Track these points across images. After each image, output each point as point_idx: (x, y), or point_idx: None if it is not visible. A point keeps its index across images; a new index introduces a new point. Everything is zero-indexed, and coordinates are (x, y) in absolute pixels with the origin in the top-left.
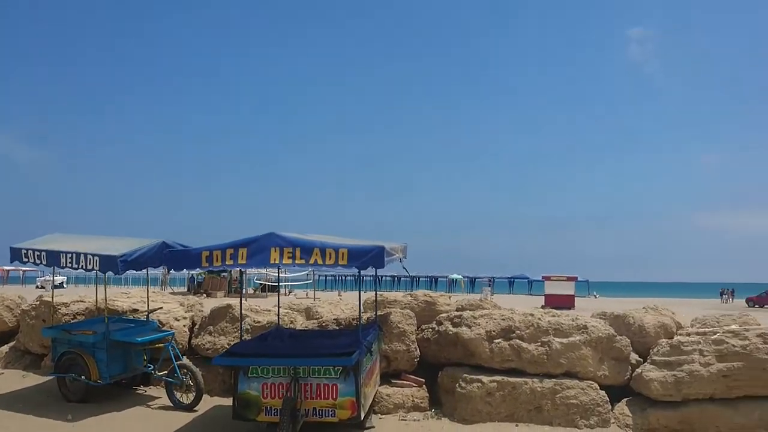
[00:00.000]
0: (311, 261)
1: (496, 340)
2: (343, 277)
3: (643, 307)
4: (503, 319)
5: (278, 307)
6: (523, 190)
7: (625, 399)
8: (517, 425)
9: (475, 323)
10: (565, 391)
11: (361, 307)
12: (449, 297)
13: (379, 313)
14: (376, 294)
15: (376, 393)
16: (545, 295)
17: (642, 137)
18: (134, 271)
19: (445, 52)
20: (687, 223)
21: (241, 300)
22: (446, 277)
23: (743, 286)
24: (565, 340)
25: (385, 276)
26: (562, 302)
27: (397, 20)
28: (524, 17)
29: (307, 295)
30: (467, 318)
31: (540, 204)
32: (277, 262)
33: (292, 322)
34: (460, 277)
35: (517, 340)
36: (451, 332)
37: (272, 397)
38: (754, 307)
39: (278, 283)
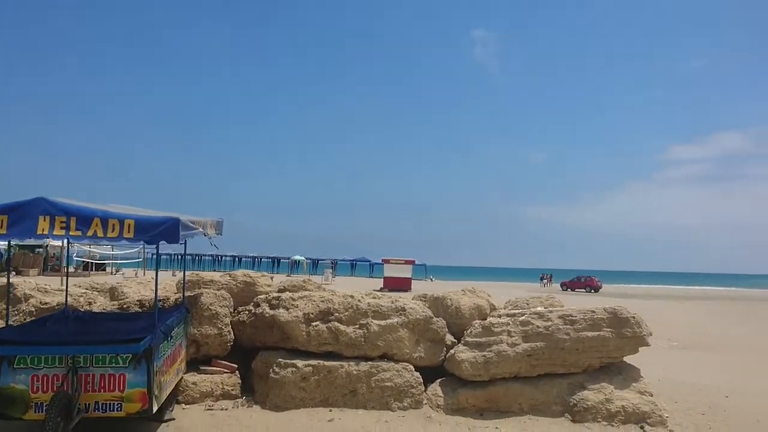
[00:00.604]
0: (90, 233)
1: (314, 323)
2: (193, 257)
3: (462, 290)
4: (322, 301)
5: (66, 286)
6: (375, 177)
7: (439, 380)
8: (331, 410)
9: (294, 305)
10: (381, 373)
11: (178, 288)
12: (271, 278)
13: (189, 293)
14: (184, 272)
15: (180, 381)
16: (384, 277)
17: (481, 134)
18: None
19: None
20: (517, 215)
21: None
22: (288, 258)
23: (561, 272)
24: (383, 322)
25: (225, 256)
26: (400, 285)
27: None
28: (382, 17)
29: (136, 274)
30: (285, 300)
31: (392, 191)
32: (46, 232)
33: (90, 304)
34: (303, 258)
35: (336, 323)
36: (268, 314)
37: (44, 390)
38: (566, 290)
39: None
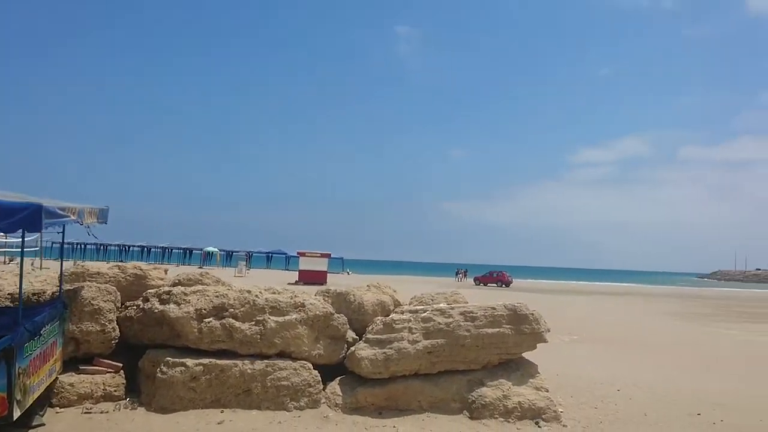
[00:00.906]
0: None
1: (207, 319)
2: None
3: (367, 285)
4: (217, 296)
5: None
6: (294, 169)
7: (338, 378)
8: (222, 411)
9: (185, 300)
10: (277, 372)
11: (60, 281)
12: (165, 271)
13: (70, 287)
14: (61, 263)
15: (54, 383)
16: (299, 270)
17: (404, 129)
18: None
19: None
20: (438, 210)
21: None
22: (201, 249)
23: (477, 267)
24: (281, 319)
25: (134, 246)
26: (315, 278)
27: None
28: (296, 13)
29: (32, 264)
30: (177, 294)
31: (311, 183)
32: None
33: None
34: (216, 250)
35: (230, 319)
36: (157, 310)
37: None
38: (479, 285)
39: None
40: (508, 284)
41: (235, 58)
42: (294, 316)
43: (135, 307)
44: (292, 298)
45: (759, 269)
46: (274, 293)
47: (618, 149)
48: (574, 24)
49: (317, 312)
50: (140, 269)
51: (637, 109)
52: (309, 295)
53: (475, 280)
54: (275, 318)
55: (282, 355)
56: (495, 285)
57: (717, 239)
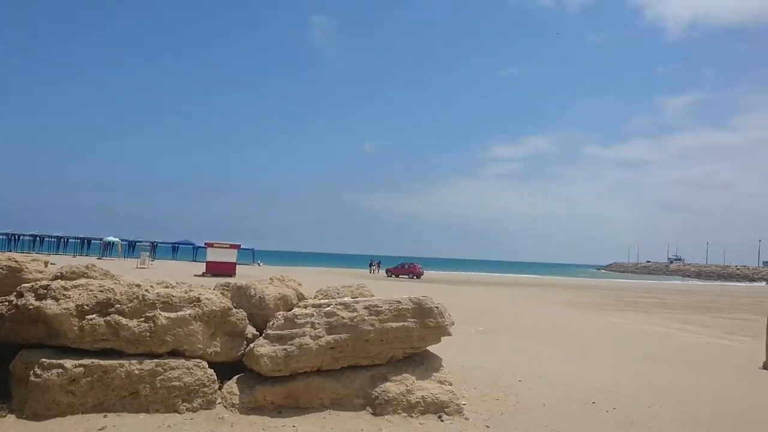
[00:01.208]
0: None
1: (90, 316)
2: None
3: (270, 278)
4: (101, 291)
5: None
6: (206, 158)
7: (236, 377)
8: (105, 416)
9: (65, 295)
10: (168, 372)
11: None
12: (46, 263)
13: None
14: None
15: None
16: (207, 262)
17: (318, 120)
18: None
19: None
20: (353, 202)
21: None
22: (101, 239)
23: (391, 258)
24: (173, 315)
25: (23, 236)
26: (224, 269)
27: None
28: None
29: None
30: (56, 289)
31: (225, 174)
32: None
33: None
34: (117, 240)
35: (117, 316)
36: (32, 306)
37: None
38: (391, 276)
39: None
40: (419, 276)
41: (138, 40)
42: (188, 312)
43: (7, 304)
44: (186, 293)
45: (649, 261)
46: (167, 287)
47: (527, 146)
48: (486, 22)
49: (214, 307)
50: (15, 261)
51: (544, 108)
52: (206, 289)
53: (387, 272)
54: (167, 314)
55: (174, 353)
56: (407, 277)
57: (614, 233)
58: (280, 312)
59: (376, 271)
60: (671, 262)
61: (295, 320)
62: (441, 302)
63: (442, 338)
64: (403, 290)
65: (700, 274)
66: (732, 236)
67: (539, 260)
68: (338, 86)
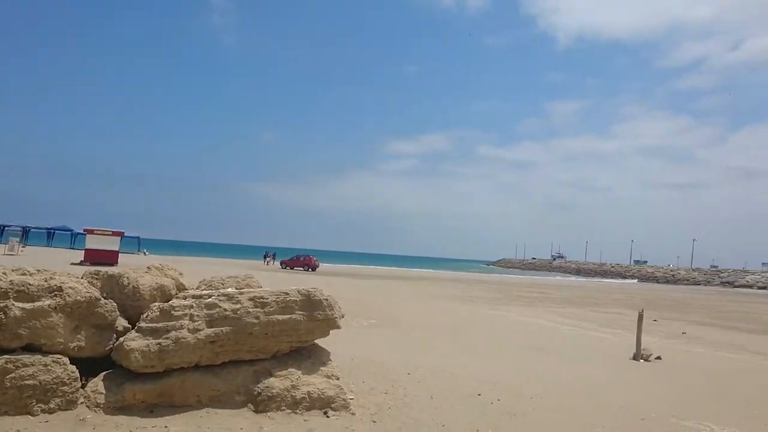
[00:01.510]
0: None
1: None
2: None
3: (147, 267)
4: None
5: None
6: (97, 140)
7: (103, 373)
8: None
9: None
10: (22, 369)
11: None
12: None
13: None
14: None
15: None
16: (86, 249)
17: (213, 106)
18: None
19: None
20: (250, 192)
21: None
22: None
23: (287, 250)
24: (29, 305)
25: None
26: (105, 258)
27: None
28: None
29: None
30: None
31: (113, 158)
32: None
33: None
34: None
35: None
36: None
37: None
38: (286, 268)
39: None
40: (314, 268)
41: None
42: (47, 302)
43: None
44: (46, 281)
45: (534, 258)
46: (24, 274)
47: (425, 143)
48: (386, 19)
49: (78, 297)
50: None
51: (442, 107)
52: (72, 277)
53: (281, 264)
54: (22, 304)
55: (30, 348)
56: (302, 269)
57: (504, 231)
58: (156, 303)
59: (271, 262)
60: (554, 259)
61: (173, 312)
62: (332, 295)
63: (330, 331)
64: (297, 283)
65: (580, 270)
66: (608, 236)
67: (434, 255)
68: (235, 72)
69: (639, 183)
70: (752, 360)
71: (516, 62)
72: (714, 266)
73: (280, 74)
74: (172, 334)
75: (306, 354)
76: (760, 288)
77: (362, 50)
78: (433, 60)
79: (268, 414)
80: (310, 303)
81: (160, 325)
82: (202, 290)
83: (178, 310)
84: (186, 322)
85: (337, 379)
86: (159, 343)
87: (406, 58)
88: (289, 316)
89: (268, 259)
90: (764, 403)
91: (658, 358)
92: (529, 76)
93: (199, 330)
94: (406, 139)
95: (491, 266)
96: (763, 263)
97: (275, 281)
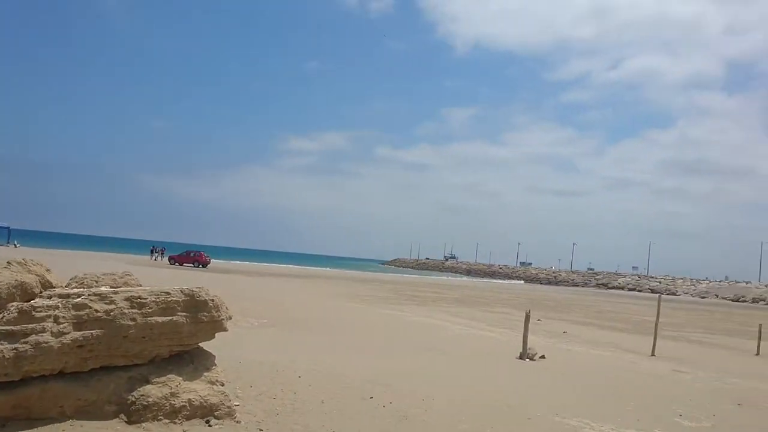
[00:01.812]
0: None
1: None
2: None
3: (8, 261)
4: None
5: None
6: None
7: None
8: None
9: None
10: None
11: None
12: None
13: None
14: None
15: None
16: None
17: (102, 89)
18: None
19: None
20: (136, 182)
21: None
22: None
23: (176, 245)
24: None
25: None
26: None
27: None
28: None
29: None
30: None
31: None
32: None
33: None
34: None
35: None
36: None
37: None
38: (174, 264)
39: None
40: (205, 265)
41: None
42: None
43: None
44: None
45: (428, 258)
46: None
47: (323, 141)
48: (288, 13)
49: None
50: None
51: (341, 105)
52: None
53: (170, 260)
54: None
55: None
56: (192, 265)
57: (399, 231)
58: (15, 303)
59: (159, 258)
60: (447, 260)
61: (33, 313)
62: (221, 293)
63: (216, 334)
64: (183, 281)
65: (470, 271)
66: (497, 239)
67: (330, 253)
68: (128, 57)
69: (526, 189)
70: (623, 357)
71: (415, 66)
72: (591, 269)
73: (174, 63)
74: (32, 338)
75: (188, 358)
76: (629, 290)
77: (262, 43)
78: (334, 59)
79: (143, 425)
80: (195, 303)
81: (17, 327)
82: (72, 289)
83: (41, 311)
84: (49, 324)
85: (222, 384)
86: (15, 349)
87: (308, 54)
88: (170, 317)
89: (155, 254)
90: (635, 399)
91: (543, 357)
92: (426, 81)
93: (65, 333)
94: (305, 137)
95: (386, 265)
96: (633, 267)
97: (159, 279)
